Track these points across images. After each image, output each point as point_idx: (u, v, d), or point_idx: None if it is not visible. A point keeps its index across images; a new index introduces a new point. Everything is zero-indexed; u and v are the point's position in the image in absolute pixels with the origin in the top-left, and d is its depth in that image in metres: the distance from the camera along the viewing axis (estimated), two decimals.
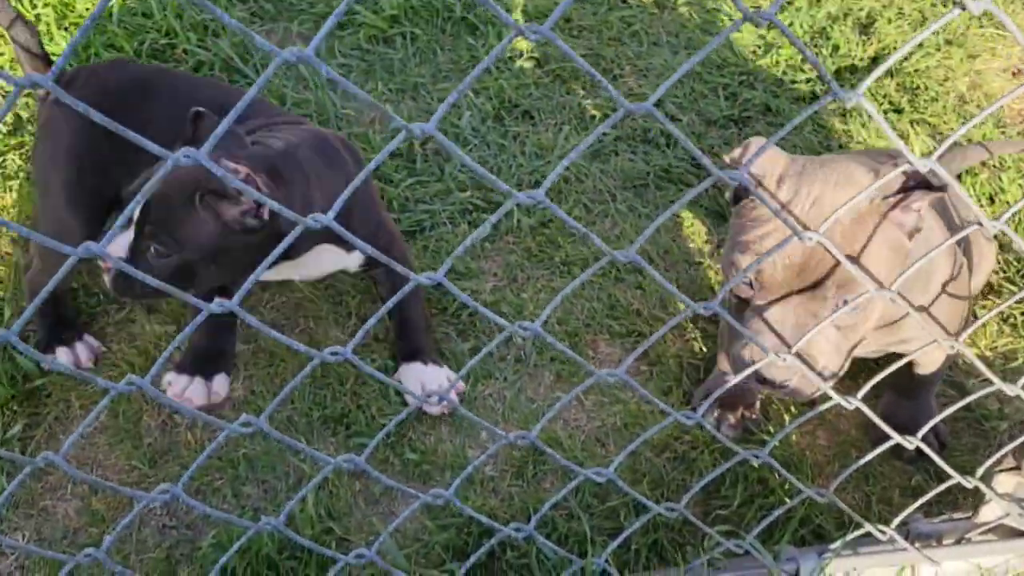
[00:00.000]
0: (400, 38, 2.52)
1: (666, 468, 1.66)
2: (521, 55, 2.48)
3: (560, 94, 2.40)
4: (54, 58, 2.34)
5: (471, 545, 1.53)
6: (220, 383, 1.71)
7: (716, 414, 1.73)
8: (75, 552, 1.53)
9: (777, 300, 1.22)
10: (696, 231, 2.09)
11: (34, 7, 2.42)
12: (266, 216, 1.47)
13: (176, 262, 1.47)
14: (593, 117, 2.35)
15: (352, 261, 1.75)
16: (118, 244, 1.47)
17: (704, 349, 1.86)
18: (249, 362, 1.82)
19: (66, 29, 2.40)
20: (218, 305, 0.88)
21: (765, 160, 1.26)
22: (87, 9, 2.43)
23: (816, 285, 1.20)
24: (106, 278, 1.51)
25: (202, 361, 1.71)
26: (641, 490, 1.61)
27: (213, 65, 2.34)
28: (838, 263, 1.14)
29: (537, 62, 2.49)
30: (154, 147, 0.73)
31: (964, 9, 0.88)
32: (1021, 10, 2.64)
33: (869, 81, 0.90)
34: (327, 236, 1.59)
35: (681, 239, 2.08)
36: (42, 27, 2.39)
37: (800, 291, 1.21)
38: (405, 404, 1.72)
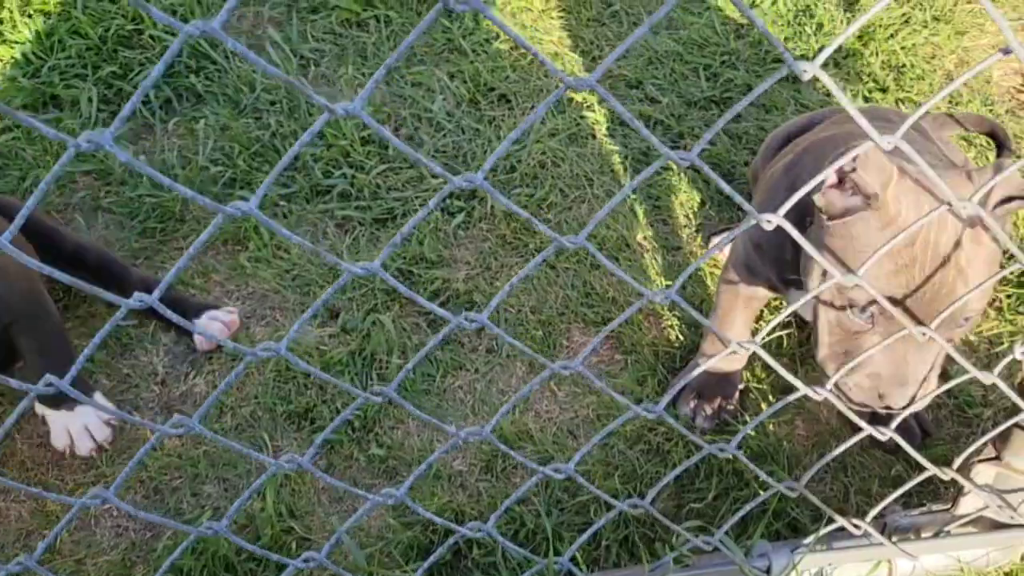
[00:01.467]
0: (374, 21, 2.45)
1: (639, 460, 1.61)
2: (497, 37, 2.41)
3: (537, 77, 2.34)
4: (16, 46, 2.28)
5: (436, 543, 1.49)
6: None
7: (693, 404, 1.68)
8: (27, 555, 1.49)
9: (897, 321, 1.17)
10: (676, 215, 2.04)
11: None
12: None
13: None
14: (571, 100, 2.29)
15: None
16: None
17: (681, 337, 1.80)
18: (214, 356, 1.77)
19: (29, 16, 2.34)
20: (138, 300, 0.83)
21: (877, 176, 1.16)
22: None
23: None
24: None
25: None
26: (613, 483, 1.56)
27: (181, 52, 2.28)
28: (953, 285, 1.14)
29: (514, 45, 2.43)
30: None
31: None
32: None
33: (826, 53, 0.84)
34: None
35: (660, 223, 2.03)
36: (4, 14, 2.33)
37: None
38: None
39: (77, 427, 1.60)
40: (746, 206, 0.90)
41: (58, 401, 1.60)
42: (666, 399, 1.09)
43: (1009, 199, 1.16)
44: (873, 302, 1.18)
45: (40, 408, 1.62)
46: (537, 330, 1.81)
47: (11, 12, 2.33)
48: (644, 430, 1.64)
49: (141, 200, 1.99)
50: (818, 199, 1.24)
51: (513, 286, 0.98)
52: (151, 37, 2.32)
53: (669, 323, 1.83)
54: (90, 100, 2.19)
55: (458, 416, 1.70)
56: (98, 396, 1.65)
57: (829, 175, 1.17)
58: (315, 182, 2.06)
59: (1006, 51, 0.85)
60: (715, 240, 1.96)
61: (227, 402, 1.68)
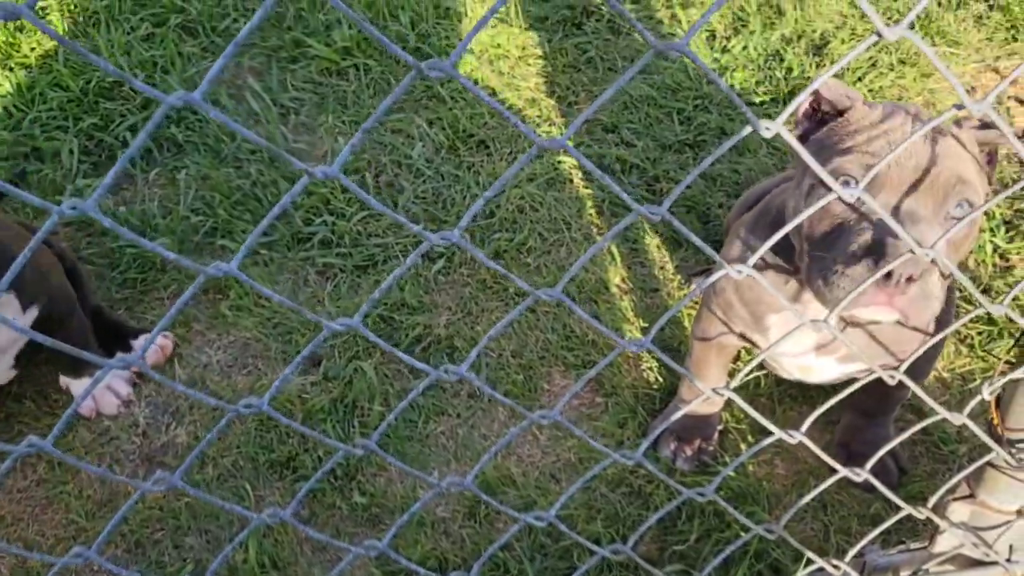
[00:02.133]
0: (353, 70, 2.49)
1: (621, 503, 1.62)
2: (476, 84, 2.45)
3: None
4: None
5: None
6: None
7: (673, 447, 1.69)
8: None
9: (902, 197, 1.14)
10: (653, 257, 2.07)
11: None
12: None
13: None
14: None
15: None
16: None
17: (660, 379, 1.82)
18: (194, 406, 1.77)
19: (11, 69, 2.36)
20: (120, 360, 0.84)
21: (846, 92, 1.24)
22: (32, 49, 2.40)
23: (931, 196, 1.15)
24: None
25: None
26: (595, 527, 1.57)
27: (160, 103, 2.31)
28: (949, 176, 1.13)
29: (492, 91, 2.47)
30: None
31: (881, 37, 0.86)
32: (972, 27, 2.65)
33: (788, 112, 0.88)
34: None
35: (638, 265, 2.06)
36: None
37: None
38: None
39: (99, 389, 1.71)
40: (716, 257, 0.93)
41: (80, 370, 1.74)
42: (644, 445, 1.11)
43: (985, 125, 1.21)
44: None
45: (64, 380, 1.77)
46: (518, 374, 1.83)
47: None
48: (626, 473, 1.66)
49: (122, 251, 2.00)
50: (795, 131, 1.31)
51: (491, 337, 1.00)
52: (132, 89, 2.34)
53: (648, 365, 1.85)
54: (71, 152, 2.20)
55: (440, 461, 1.70)
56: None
57: (804, 103, 1.26)
58: (296, 230, 2.07)
59: (959, 107, 0.89)
60: (695, 284, 1.99)
61: (209, 452, 1.68)
